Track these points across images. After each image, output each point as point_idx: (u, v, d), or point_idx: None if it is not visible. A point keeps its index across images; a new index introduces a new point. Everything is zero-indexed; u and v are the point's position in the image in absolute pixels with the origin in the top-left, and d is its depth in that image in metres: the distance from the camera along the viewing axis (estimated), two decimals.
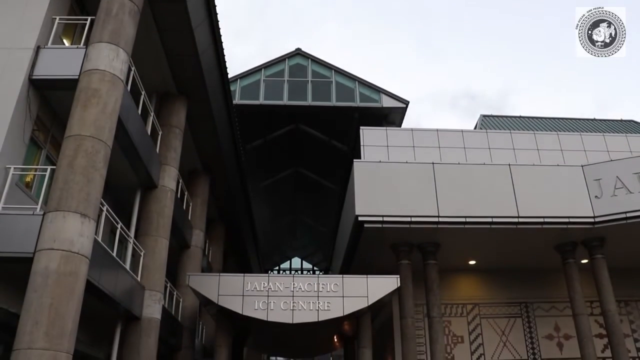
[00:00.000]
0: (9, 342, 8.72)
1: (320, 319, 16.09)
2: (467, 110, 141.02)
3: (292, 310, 16.07)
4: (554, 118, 33.00)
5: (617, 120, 33.24)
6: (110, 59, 10.44)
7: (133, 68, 12.58)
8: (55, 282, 8.39)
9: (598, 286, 18.07)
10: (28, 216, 9.20)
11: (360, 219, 16.84)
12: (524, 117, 32.27)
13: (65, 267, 8.55)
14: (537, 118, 32.64)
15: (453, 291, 20.84)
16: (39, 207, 9.62)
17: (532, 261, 20.06)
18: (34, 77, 10.47)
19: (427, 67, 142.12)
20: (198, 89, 16.04)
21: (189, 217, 19.11)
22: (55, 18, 11.36)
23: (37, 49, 10.75)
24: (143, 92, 13.54)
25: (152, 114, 14.61)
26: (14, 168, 9.67)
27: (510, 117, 32.24)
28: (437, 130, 20.80)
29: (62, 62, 10.69)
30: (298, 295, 16.24)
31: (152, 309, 13.53)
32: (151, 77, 14.94)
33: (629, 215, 16.72)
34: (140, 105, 13.32)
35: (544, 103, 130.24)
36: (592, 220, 17.06)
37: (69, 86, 10.38)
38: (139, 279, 13.38)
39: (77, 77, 10.33)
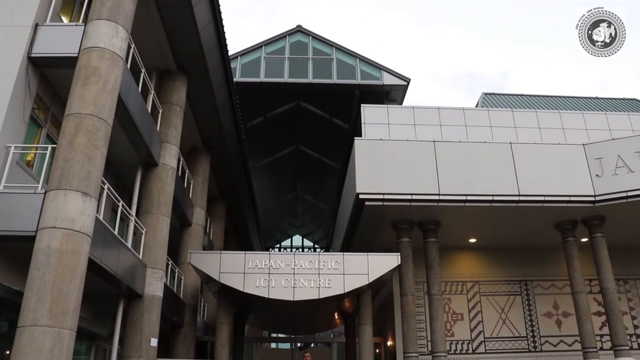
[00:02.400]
0: (13, 319, 8.81)
1: (321, 296, 16.21)
2: (468, 89, 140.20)
3: (293, 287, 16.19)
4: (555, 96, 32.81)
5: (619, 99, 33.05)
6: (110, 37, 10.36)
7: (133, 45, 12.49)
8: (57, 260, 8.44)
9: (597, 265, 18.18)
10: (29, 195, 9.22)
11: (361, 196, 16.87)
12: (525, 96, 32.10)
13: (67, 245, 8.60)
14: (538, 96, 32.46)
15: (453, 269, 20.98)
16: (40, 185, 9.65)
17: (532, 239, 20.16)
18: (32, 55, 10.39)
19: (428, 45, 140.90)
20: (198, 66, 15.93)
21: (190, 195, 19.14)
22: None
23: (36, 27, 10.65)
24: (143, 70, 13.45)
25: (152, 91, 14.54)
26: (15, 147, 9.65)
27: (512, 95, 32.07)
28: (439, 108, 20.69)
29: (61, 39, 10.61)
30: (299, 272, 16.34)
31: (154, 286, 13.63)
32: (151, 55, 14.83)
33: (629, 194, 16.74)
34: (140, 83, 13.25)
35: (545, 83, 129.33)
36: (592, 199, 17.09)
37: (68, 64, 10.32)
38: (140, 256, 13.45)
39: (76, 55, 10.26)
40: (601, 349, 18.68)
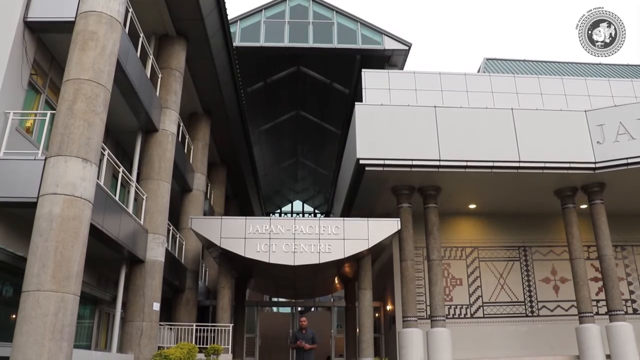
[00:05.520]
0: (17, 284, 8.91)
1: (321, 261, 16.37)
2: (470, 54, 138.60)
3: (294, 252, 16.33)
4: (558, 62, 32.47)
5: (622, 65, 32.71)
6: (107, 0, 10.19)
7: (131, 9, 12.31)
8: (59, 226, 8.47)
9: (596, 231, 18.29)
10: (30, 161, 9.24)
11: (361, 162, 16.88)
12: (528, 61, 31.76)
13: (68, 211, 8.62)
14: (541, 62, 32.12)
15: (453, 234, 21.11)
16: (40, 152, 9.64)
17: (532, 206, 20.24)
18: (28, 20, 10.24)
19: (431, 10, 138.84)
20: (197, 30, 15.73)
21: (191, 161, 19.15)
22: None
23: None
24: (141, 35, 13.30)
25: (151, 56, 14.40)
26: (14, 113, 9.61)
27: (514, 60, 31.73)
28: (440, 73, 20.56)
29: (57, 3, 10.42)
30: (299, 237, 16.47)
31: (156, 251, 13.74)
32: (149, 19, 14.63)
33: (630, 161, 16.74)
34: (139, 48, 13.12)
35: (548, 48, 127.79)
36: (593, 165, 17.10)
37: (65, 29, 10.18)
38: (142, 222, 13.52)
39: (73, 19, 10.10)
40: (597, 313, 18.94)
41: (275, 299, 30.89)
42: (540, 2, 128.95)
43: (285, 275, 18.92)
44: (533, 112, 17.89)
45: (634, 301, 20.75)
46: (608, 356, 17.05)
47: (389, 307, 22.18)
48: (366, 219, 17.07)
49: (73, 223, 8.64)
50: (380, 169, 16.94)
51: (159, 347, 13.85)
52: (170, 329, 16.33)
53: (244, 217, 17.16)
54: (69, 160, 8.86)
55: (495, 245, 21.26)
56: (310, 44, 25.75)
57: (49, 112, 10.15)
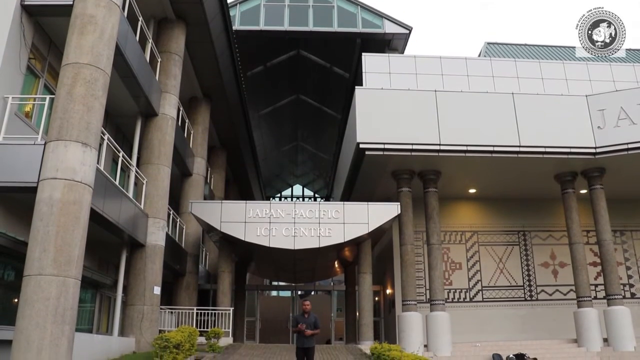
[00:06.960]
0: (18, 268, 8.94)
1: (321, 245, 16.45)
2: (471, 38, 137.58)
3: (294, 236, 16.41)
4: (560, 46, 32.23)
5: (625, 49, 32.40)
6: None
7: None
8: (60, 210, 8.48)
9: (595, 216, 18.33)
10: (30, 146, 9.21)
11: (361, 146, 16.88)
12: (529, 45, 31.54)
13: (69, 195, 8.62)
14: (542, 46, 31.90)
15: (453, 219, 21.15)
16: (39, 136, 9.61)
17: (532, 190, 20.26)
18: (26, 3, 10.16)
19: None
20: (196, 13, 15.62)
21: (190, 145, 19.11)
22: None
23: None
24: (140, 18, 13.19)
25: (150, 40, 14.29)
26: (12, 98, 9.56)
27: (515, 45, 31.52)
28: (440, 57, 20.45)
29: None
30: (299, 221, 16.54)
31: (156, 236, 13.78)
32: (148, 2, 14.51)
33: (630, 146, 16.75)
34: (138, 32, 13.02)
35: (549, 33, 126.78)
36: (593, 150, 17.11)
37: (63, 12, 10.11)
38: (142, 207, 13.54)
39: (71, 2, 10.00)
40: (595, 298, 19.03)
41: (275, 283, 31.03)
42: None
43: (285, 259, 19.01)
44: (534, 97, 17.84)
45: (631, 285, 20.87)
46: (605, 340, 17.18)
47: (388, 291, 22.29)
48: (366, 203, 17.11)
49: (73, 207, 8.64)
50: (380, 153, 16.94)
51: (160, 331, 13.93)
52: (171, 312, 16.43)
53: (244, 202, 17.21)
54: (69, 145, 8.83)
55: (495, 230, 21.33)
56: (310, 27, 25.57)
57: (48, 97, 10.10)
